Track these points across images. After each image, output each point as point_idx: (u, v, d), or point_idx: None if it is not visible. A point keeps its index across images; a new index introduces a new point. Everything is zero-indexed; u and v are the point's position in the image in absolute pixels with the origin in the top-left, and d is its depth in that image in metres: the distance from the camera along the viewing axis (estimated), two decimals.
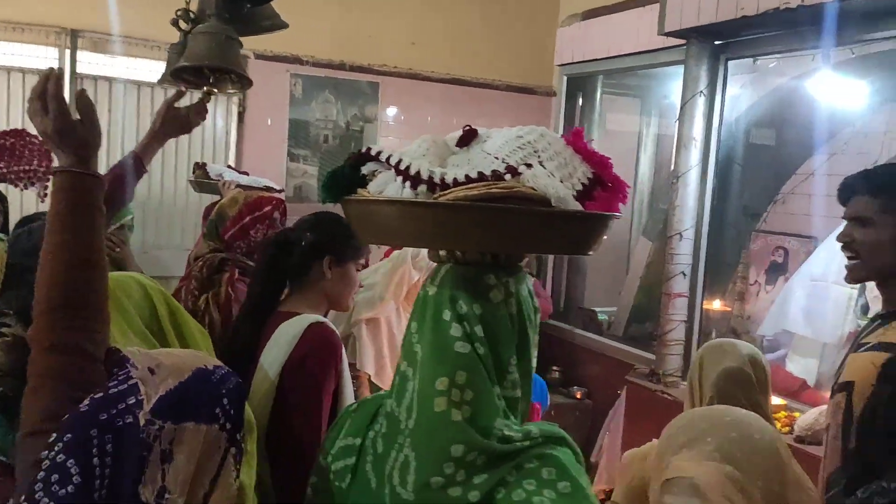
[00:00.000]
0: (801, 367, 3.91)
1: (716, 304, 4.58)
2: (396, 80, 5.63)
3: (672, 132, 4.16)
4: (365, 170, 1.23)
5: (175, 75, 2.12)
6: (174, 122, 2.11)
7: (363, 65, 5.52)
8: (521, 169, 1.15)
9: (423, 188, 1.14)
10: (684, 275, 3.98)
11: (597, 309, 5.07)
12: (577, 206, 1.16)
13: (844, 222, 1.95)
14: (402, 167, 1.16)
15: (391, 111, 5.66)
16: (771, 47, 3.71)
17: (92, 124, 1.29)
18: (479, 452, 1.14)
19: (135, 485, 1.06)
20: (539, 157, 1.19)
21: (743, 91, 4.40)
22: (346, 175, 1.23)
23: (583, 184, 1.20)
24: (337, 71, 5.42)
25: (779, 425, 3.36)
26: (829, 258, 3.76)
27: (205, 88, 2.12)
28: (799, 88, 3.98)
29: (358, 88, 5.52)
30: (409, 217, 1.17)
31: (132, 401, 1.09)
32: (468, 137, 1.26)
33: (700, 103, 3.87)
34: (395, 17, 5.58)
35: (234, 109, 5.08)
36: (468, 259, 1.23)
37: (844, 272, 1.98)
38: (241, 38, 2.16)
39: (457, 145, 1.27)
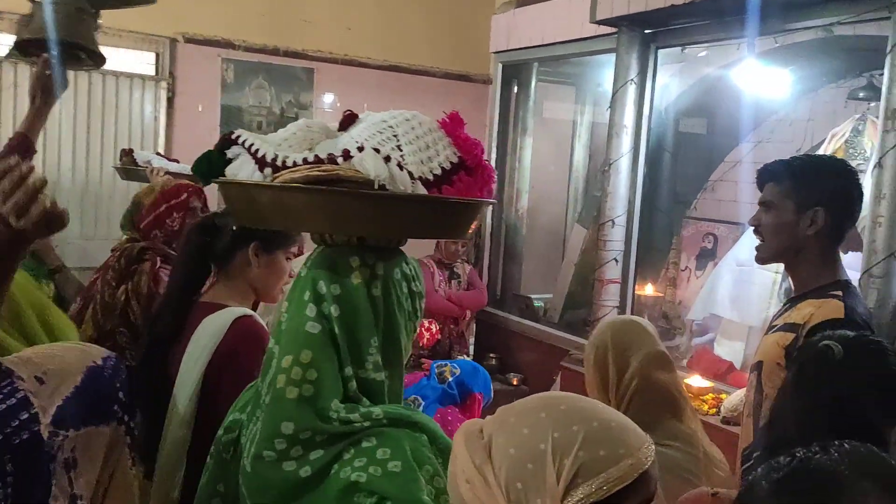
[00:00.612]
0: (728, 350, 4.02)
1: (648, 290, 4.67)
2: (332, 67, 5.55)
3: (606, 120, 4.20)
4: (230, 153, 1.27)
5: (20, 48, 2.02)
6: (50, 92, 2.03)
7: (297, 50, 5.42)
8: (353, 152, 1.18)
9: (268, 171, 1.19)
10: (616, 261, 4.04)
11: (533, 296, 5.11)
12: (414, 190, 1.20)
13: None
14: (253, 150, 1.22)
15: (327, 98, 5.58)
16: (699, 36, 3.77)
17: None
18: (312, 431, 1.18)
19: (45, 498, 1.03)
20: (398, 141, 1.23)
21: (672, 80, 4.48)
22: (214, 159, 1.28)
23: (443, 168, 1.24)
24: (270, 56, 5.31)
25: (706, 407, 3.44)
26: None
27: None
28: (726, 77, 4.07)
29: (292, 74, 5.42)
30: (246, 198, 1.23)
31: (25, 416, 1.04)
32: (347, 121, 1.31)
33: (631, 91, 3.92)
34: (331, 1, 5.50)
35: (163, 95, 4.94)
36: (335, 241, 1.28)
37: None
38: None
39: (339, 129, 1.32)
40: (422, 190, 1.22)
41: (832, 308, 1.77)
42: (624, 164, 3.97)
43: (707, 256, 4.68)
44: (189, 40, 4.99)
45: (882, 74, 2.89)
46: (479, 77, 5.73)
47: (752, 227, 2.03)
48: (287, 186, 1.17)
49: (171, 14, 4.91)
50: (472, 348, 4.80)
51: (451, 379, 2.65)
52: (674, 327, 4.77)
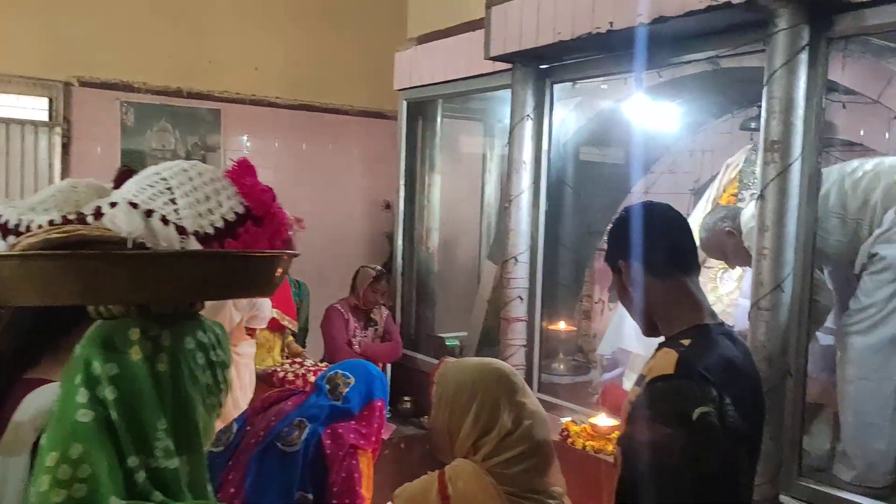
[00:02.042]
0: None
1: (561, 325, 4.60)
2: (239, 107, 5.45)
3: None
4: None
5: None
6: None
7: (202, 91, 5.31)
8: (105, 209, 1.08)
9: (11, 239, 1.09)
10: (521, 299, 3.97)
11: (448, 335, 5.00)
12: (185, 245, 1.11)
13: None
14: None
15: (235, 139, 5.48)
16: (590, 71, 3.75)
17: None
18: None
19: None
20: (172, 193, 1.14)
21: (571, 114, 4.47)
22: None
23: (226, 220, 1.15)
24: (173, 98, 5.19)
25: (610, 447, 3.36)
26: None
27: None
28: (620, 111, 4.07)
29: (198, 116, 5.30)
30: None
31: None
32: (122, 177, 1.21)
33: (528, 126, 3.88)
34: (236, 41, 5.41)
35: (58, 140, 4.78)
36: (112, 312, 1.15)
37: None
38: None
39: (114, 187, 1.22)
40: (196, 245, 1.11)
41: (665, 364, 1.67)
42: (524, 200, 3.92)
43: None
44: (84, 83, 4.85)
45: None
46: (393, 113, 5.67)
47: None
48: (26, 255, 1.05)
49: (65, 57, 4.77)
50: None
51: (346, 391, 2.40)
52: (589, 361, 4.71)
